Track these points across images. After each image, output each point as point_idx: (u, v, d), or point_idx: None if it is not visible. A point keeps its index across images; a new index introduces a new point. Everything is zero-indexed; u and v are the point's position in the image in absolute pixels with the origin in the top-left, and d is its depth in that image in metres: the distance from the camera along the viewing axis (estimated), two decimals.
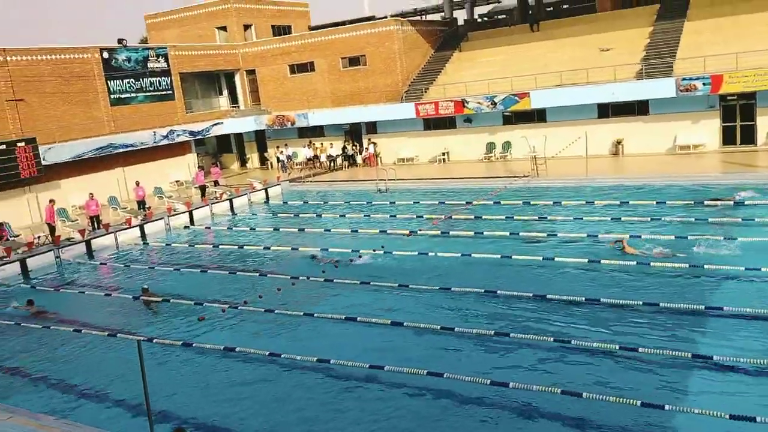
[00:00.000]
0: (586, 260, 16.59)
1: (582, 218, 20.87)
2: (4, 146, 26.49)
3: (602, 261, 16.33)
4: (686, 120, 28.80)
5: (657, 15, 33.90)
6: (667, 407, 9.39)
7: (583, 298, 14.01)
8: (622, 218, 20.31)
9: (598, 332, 12.47)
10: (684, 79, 27.03)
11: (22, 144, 27.15)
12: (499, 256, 17.66)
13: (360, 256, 18.74)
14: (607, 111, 30.60)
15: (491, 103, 31.45)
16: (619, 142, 30.42)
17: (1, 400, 11.59)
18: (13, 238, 23.76)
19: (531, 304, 14.18)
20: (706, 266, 15.12)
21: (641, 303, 13.48)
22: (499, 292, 14.84)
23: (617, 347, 11.59)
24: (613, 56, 31.25)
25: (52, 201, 24.84)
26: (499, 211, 23.06)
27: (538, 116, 32.04)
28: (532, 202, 23.61)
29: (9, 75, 28.03)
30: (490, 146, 33.61)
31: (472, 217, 22.63)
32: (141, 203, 27.88)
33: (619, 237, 17.70)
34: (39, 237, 23.65)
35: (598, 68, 30.03)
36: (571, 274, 16.00)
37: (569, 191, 24.83)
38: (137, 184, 28.29)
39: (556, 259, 16.84)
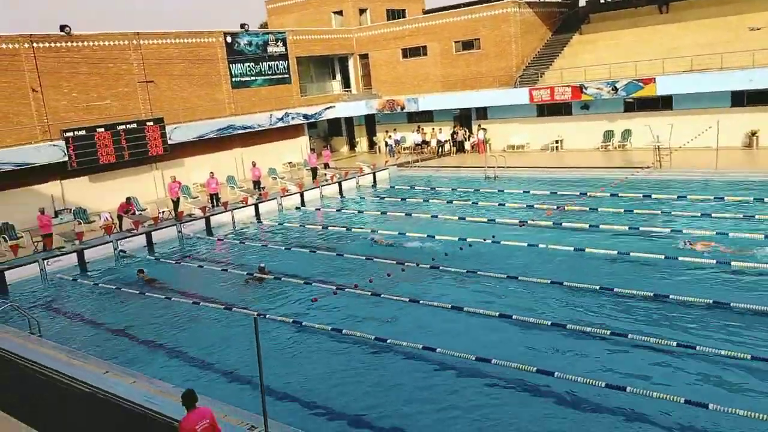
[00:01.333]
0: (714, 261, 15.34)
1: (710, 215, 19.36)
2: (135, 125, 28.35)
3: (732, 263, 15.04)
4: None
5: None
6: None
7: (711, 301, 12.97)
8: (757, 216, 18.64)
9: (727, 338, 11.47)
10: None
11: (151, 123, 28.95)
12: (615, 252, 16.73)
13: (461, 248, 18.41)
14: (742, 99, 28.21)
15: (612, 89, 29.85)
16: (753, 134, 27.98)
17: (125, 364, 12.35)
18: (140, 212, 25.40)
19: (651, 305, 13.30)
20: None
21: None
22: (615, 289, 14.04)
23: (749, 357, 10.61)
24: (753, 39, 28.62)
25: (173, 177, 26.33)
26: (616, 203, 21.88)
27: (663, 104, 30.06)
28: (653, 196, 22.21)
29: (141, 58, 29.86)
30: (608, 134, 31.98)
31: (587, 209, 21.60)
32: (257, 183, 28.91)
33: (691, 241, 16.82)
34: (163, 212, 25.14)
35: (735, 53, 27.64)
36: (697, 275, 14.85)
37: (696, 185, 23.14)
38: (254, 164, 29.31)
39: (680, 258, 15.69)
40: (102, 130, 27.22)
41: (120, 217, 23.95)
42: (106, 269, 20.45)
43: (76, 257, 20.84)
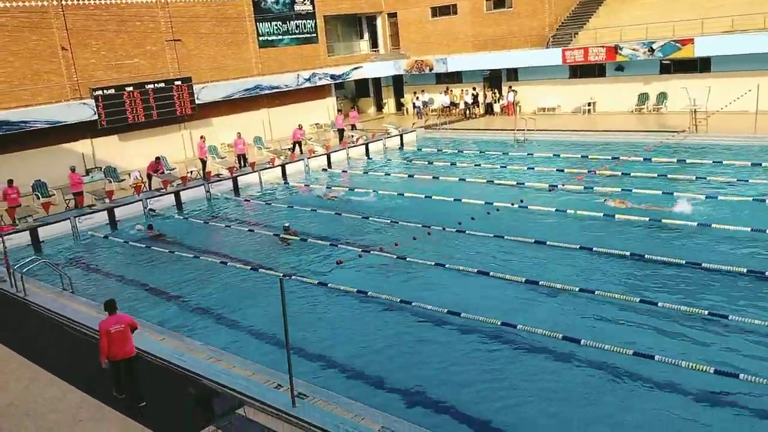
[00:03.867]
0: (749, 229, 14.94)
1: (747, 180, 18.82)
2: (163, 84, 28.35)
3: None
4: None
5: None
6: None
7: (745, 270, 12.68)
8: None
9: (761, 309, 11.22)
10: None
11: (179, 82, 28.91)
12: (647, 218, 16.40)
13: (488, 213, 18.11)
14: None
15: (648, 50, 28.89)
16: None
17: (155, 321, 12.57)
18: (169, 172, 25.58)
19: (684, 273, 13.04)
20: None
21: None
22: (647, 256, 13.79)
23: None
24: None
25: (203, 137, 26.40)
26: (649, 168, 21.41)
27: (701, 66, 29.06)
28: (688, 161, 21.65)
29: (169, 16, 29.67)
30: (643, 97, 31.13)
31: (619, 174, 21.16)
32: (299, 144, 28.64)
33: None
34: (192, 172, 25.29)
35: None
36: (732, 242, 14.51)
37: (733, 150, 22.47)
38: (300, 127, 28.97)
39: (714, 225, 15.31)
40: (131, 89, 27.28)
41: (149, 177, 24.16)
42: (136, 227, 20.72)
43: (106, 215, 21.14)
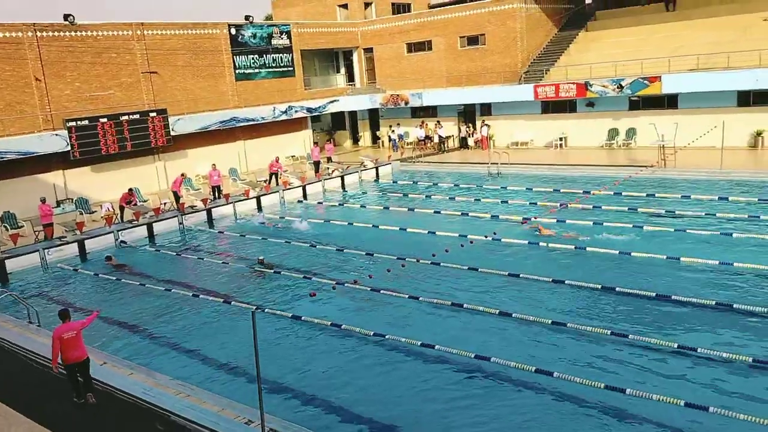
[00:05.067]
0: (717, 262, 15.23)
1: (714, 214, 19.25)
2: (138, 115, 28.27)
3: (735, 264, 14.93)
4: None
5: None
6: None
7: (714, 302, 12.88)
8: (762, 216, 18.52)
9: (728, 341, 11.39)
10: None
11: (154, 114, 28.85)
12: (617, 251, 16.62)
13: (462, 245, 18.27)
14: (748, 99, 27.99)
15: (617, 87, 29.65)
16: (759, 134, 27.80)
17: (123, 355, 12.32)
18: (142, 203, 25.34)
19: (654, 305, 13.20)
20: None
21: None
22: (618, 289, 13.96)
23: (750, 360, 10.52)
24: (759, 39, 28.41)
25: (183, 174, 26.31)
26: (620, 202, 21.79)
27: (668, 102, 29.87)
28: (657, 195, 22.10)
29: (145, 48, 29.74)
30: (613, 133, 31.82)
31: (590, 207, 21.50)
32: (275, 176, 28.58)
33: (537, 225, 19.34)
34: (165, 203, 25.08)
35: (741, 52, 27.43)
36: (700, 275, 14.75)
37: (700, 185, 23.00)
38: (277, 159, 28.96)
39: (683, 259, 15.57)
40: (105, 120, 27.14)
41: (122, 208, 23.89)
42: (106, 259, 20.38)
43: (77, 247, 20.80)
